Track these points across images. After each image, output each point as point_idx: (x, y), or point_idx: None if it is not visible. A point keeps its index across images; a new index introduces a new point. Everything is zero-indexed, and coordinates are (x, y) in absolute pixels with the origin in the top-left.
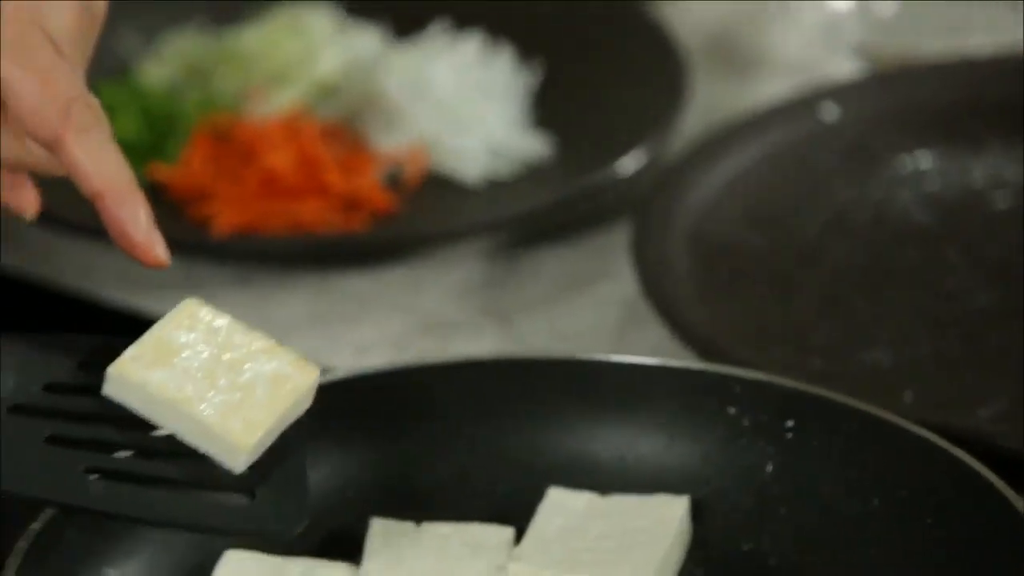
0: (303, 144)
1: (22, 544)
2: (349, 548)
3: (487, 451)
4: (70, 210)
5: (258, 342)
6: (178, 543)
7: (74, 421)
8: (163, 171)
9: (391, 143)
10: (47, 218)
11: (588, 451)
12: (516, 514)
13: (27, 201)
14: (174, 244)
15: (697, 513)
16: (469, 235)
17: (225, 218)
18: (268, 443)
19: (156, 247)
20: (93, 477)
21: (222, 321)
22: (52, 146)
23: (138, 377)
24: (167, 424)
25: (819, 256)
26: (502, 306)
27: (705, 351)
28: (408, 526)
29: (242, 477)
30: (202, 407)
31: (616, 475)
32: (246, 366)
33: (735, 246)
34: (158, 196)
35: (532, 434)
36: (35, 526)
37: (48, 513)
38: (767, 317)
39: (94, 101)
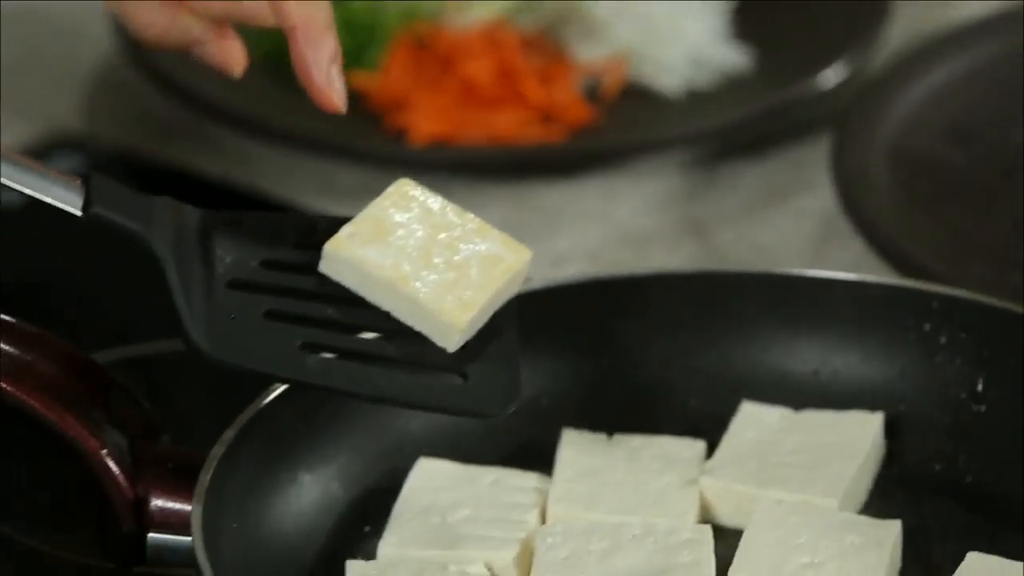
0: (502, 54)
1: (225, 439)
2: (541, 458)
3: (681, 364)
4: (271, 118)
5: (472, 223)
6: (371, 450)
7: (291, 297)
8: (363, 79)
9: (590, 54)
10: (248, 126)
11: (782, 365)
12: (708, 428)
13: (234, 56)
14: (371, 153)
15: (891, 430)
16: (667, 147)
17: (423, 127)
18: (481, 323)
19: (334, 92)
20: (310, 353)
21: (436, 201)
22: None
23: (354, 255)
24: (382, 302)
25: (1021, 172)
26: (699, 218)
27: (903, 266)
28: (600, 437)
29: (455, 357)
30: (417, 285)
31: (810, 390)
32: (460, 246)
33: (936, 161)
34: (357, 105)
35: (726, 348)
36: (229, 434)
37: (249, 412)
38: (967, 233)
39: None
